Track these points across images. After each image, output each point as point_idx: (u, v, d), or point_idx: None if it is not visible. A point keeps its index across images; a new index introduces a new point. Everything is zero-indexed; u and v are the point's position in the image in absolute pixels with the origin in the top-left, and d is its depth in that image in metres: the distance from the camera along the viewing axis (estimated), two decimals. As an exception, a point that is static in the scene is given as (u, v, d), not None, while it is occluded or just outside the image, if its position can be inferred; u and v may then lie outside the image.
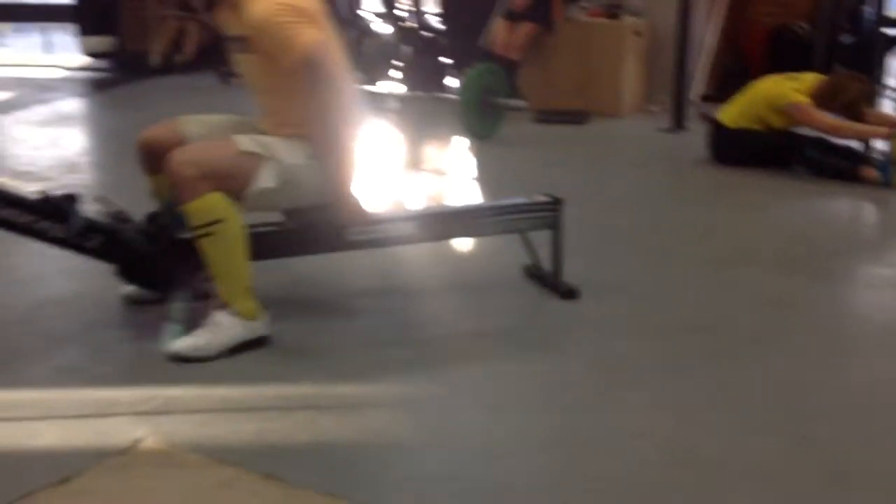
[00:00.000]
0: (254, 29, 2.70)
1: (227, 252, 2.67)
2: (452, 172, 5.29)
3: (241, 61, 2.87)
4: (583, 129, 6.63)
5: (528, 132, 6.46)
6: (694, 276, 3.57)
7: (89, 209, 2.90)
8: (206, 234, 2.64)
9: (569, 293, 3.22)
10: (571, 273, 3.28)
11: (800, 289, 3.42)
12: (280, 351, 2.77)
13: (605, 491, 2.05)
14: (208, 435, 2.28)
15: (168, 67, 9.36)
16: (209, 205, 2.62)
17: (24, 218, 2.78)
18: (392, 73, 8.17)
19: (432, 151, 5.89)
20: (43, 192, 2.84)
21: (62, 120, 7.03)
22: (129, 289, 3.07)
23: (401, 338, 2.91)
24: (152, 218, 2.95)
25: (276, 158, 2.74)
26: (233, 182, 2.68)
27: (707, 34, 7.35)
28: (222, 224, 2.64)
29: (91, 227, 2.86)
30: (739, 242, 4.05)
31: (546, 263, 3.32)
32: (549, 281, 3.29)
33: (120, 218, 2.92)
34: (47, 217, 2.80)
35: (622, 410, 2.44)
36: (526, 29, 6.83)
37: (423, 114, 7.08)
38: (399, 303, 3.24)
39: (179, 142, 2.81)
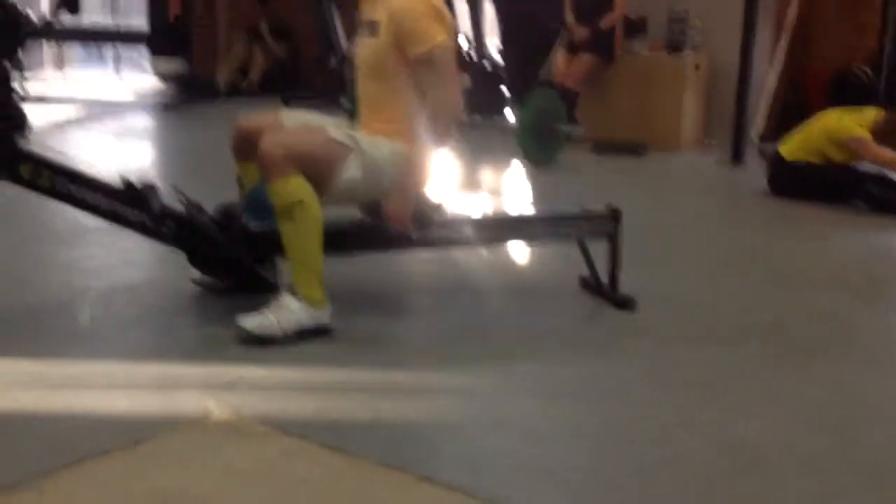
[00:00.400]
0: (391, 15, 2.84)
1: (303, 235, 2.77)
2: (511, 193, 5.38)
3: (363, 46, 2.99)
4: (641, 159, 6.68)
5: (586, 161, 6.53)
6: (749, 290, 3.61)
7: (166, 198, 3.04)
8: (287, 215, 2.75)
9: (625, 303, 3.26)
10: (628, 285, 3.32)
11: (854, 308, 3.44)
12: (343, 340, 2.86)
13: (648, 474, 2.09)
14: (273, 409, 2.36)
15: (234, 91, 9.63)
16: (293, 186, 2.73)
17: (107, 202, 2.93)
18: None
19: (491, 175, 5.99)
20: (125, 179, 2.99)
21: (133, 136, 7.28)
22: (200, 276, 3.18)
23: (461, 334, 2.99)
24: (225, 209, 3.08)
25: (361, 150, 2.86)
26: (318, 168, 2.79)
27: (768, 74, 7.38)
28: (303, 207, 2.74)
29: (167, 214, 3.00)
30: (795, 265, 4.07)
31: (603, 274, 3.37)
32: (606, 291, 3.34)
33: (194, 208, 3.05)
34: (128, 203, 2.94)
35: (672, 406, 2.48)
36: (586, 60, 6.93)
37: (483, 140, 7.19)
38: (460, 303, 3.32)
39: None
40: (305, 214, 2.75)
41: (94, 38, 12.33)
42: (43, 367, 2.59)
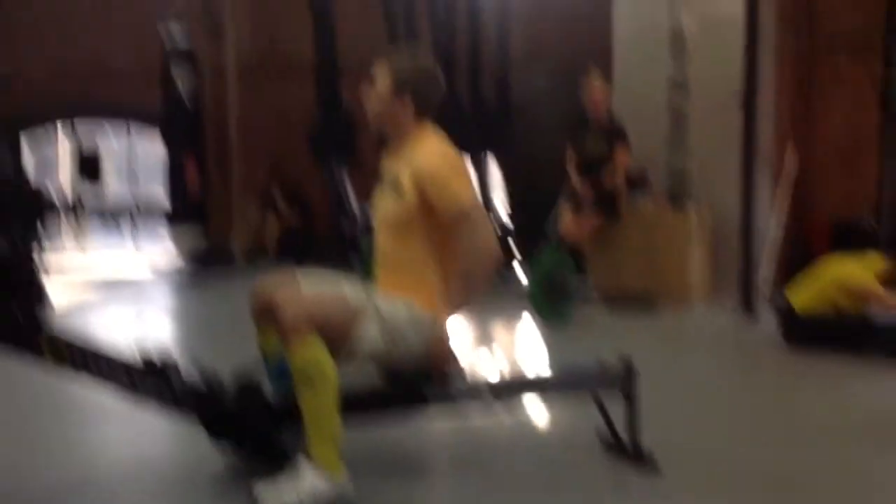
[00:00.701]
0: (416, 176, 2.93)
1: (321, 402, 2.78)
2: (524, 351, 5.41)
3: (385, 202, 3.06)
4: (651, 314, 6.72)
5: (598, 318, 6.58)
6: (770, 442, 3.57)
7: (185, 372, 3.08)
8: (306, 381, 2.77)
9: (645, 461, 3.23)
10: (646, 439, 3.30)
11: (873, 458, 3.39)
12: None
13: None
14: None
15: (251, 259, 9.82)
16: (311, 352, 2.76)
17: (126, 379, 2.97)
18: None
19: (503, 333, 6.03)
20: (144, 354, 3.04)
21: (152, 310, 7.38)
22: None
23: (480, 498, 2.96)
24: (242, 378, 3.11)
25: (378, 312, 2.90)
26: (335, 330, 2.83)
27: (770, 225, 7.52)
28: (322, 376, 2.77)
29: (186, 388, 3.03)
30: (816, 416, 4.04)
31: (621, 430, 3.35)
32: (625, 448, 3.31)
33: (213, 380, 3.09)
34: (147, 378, 2.98)
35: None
36: (592, 218, 7.09)
37: (494, 297, 7.26)
38: (479, 468, 3.30)
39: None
40: (324, 381, 2.77)
41: (113, 212, 12.69)
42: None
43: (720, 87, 7.27)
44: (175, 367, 3.02)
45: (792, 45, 8.17)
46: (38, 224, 2.81)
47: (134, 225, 12.27)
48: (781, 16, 7.84)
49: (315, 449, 2.81)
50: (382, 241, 3.08)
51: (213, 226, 10.70)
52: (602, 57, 7.66)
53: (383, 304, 2.94)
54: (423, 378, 3.05)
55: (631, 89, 7.68)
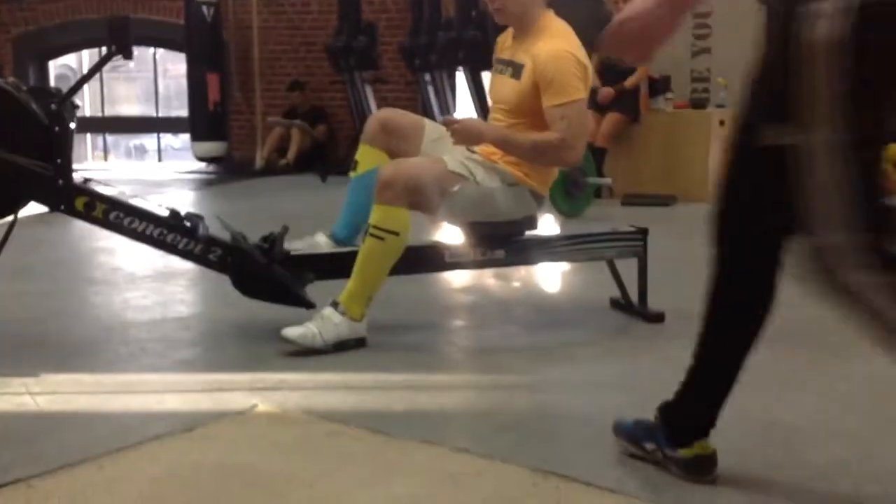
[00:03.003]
0: (537, 61, 3.00)
1: (380, 260, 2.94)
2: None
3: (502, 84, 3.16)
4: (670, 209, 6.80)
5: (615, 212, 6.66)
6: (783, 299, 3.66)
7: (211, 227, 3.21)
8: (379, 235, 2.91)
9: (655, 317, 3.35)
10: (658, 305, 3.41)
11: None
12: (381, 349, 2.98)
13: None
14: (315, 403, 2.48)
15: (271, 170, 9.94)
16: (396, 216, 2.90)
17: (157, 231, 3.11)
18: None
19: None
20: (173, 209, 3.17)
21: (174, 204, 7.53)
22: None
23: (494, 345, 3.10)
24: (266, 237, 3.24)
25: (476, 180, 3.03)
26: (431, 197, 2.96)
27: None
28: (395, 237, 2.91)
29: (213, 241, 3.16)
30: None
31: (633, 294, 3.47)
32: (635, 307, 3.43)
33: (238, 236, 3.22)
34: (176, 231, 3.12)
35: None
36: (613, 118, 7.14)
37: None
38: (493, 320, 3.45)
39: (418, 132, 3.18)
40: (392, 245, 2.91)
41: (140, 128, 12.83)
42: (100, 378, 2.73)
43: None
44: (202, 222, 3.16)
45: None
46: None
47: (158, 142, 12.40)
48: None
49: (350, 294, 2.94)
50: (496, 118, 3.19)
51: (235, 142, 10.82)
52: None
53: (482, 173, 3.05)
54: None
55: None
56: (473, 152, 3.13)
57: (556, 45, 3.02)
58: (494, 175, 3.08)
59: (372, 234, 2.92)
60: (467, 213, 3.10)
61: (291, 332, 2.90)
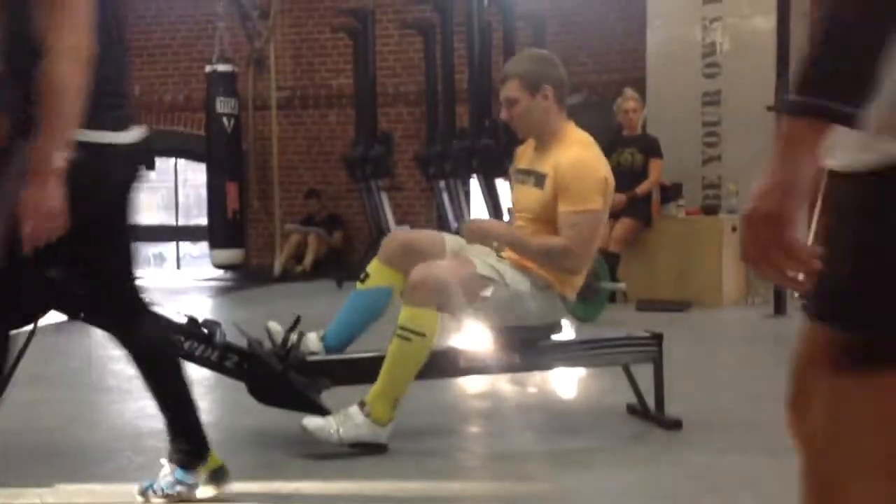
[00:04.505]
0: (558, 169, 3.07)
1: (406, 361, 2.95)
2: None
3: (525, 194, 3.23)
4: (684, 315, 6.80)
5: (630, 317, 6.66)
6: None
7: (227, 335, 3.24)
8: (405, 337, 2.93)
9: (672, 424, 3.32)
10: (675, 411, 3.38)
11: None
12: (395, 455, 2.97)
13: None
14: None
15: (288, 276, 10.02)
16: (424, 318, 2.93)
17: (175, 338, 3.13)
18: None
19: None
20: (190, 316, 3.20)
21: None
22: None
23: (511, 452, 3.09)
24: (283, 343, 3.25)
25: (505, 282, 3.06)
26: (459, 300, 2.98)
27: (802, 234, 7.55)
28: (422, 338, 2.92)
29: (230, 348, 3.19)
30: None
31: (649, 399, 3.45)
32: (652, 413, 3.41)
33: (254, 343, 3.24)
34: (194, 338, 3.14)
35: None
36: (626, 224, 7.21)
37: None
38: (509, 426, 3.45)
39: (438, 247, 3.21)
40: (420, 346, 2.93)
41: (160, 236, 12.98)
42: (115, 488, 2.73)
43: (754, 101, 7.36)
44: (219, 329, 3.18)
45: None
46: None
47: (177, 250, 12.55)
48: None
49: (375, 394, 2.94)
50: (518, 227, 3.25)
51: (253, 250, 10.95)
52: (636, 83, 7.83)
53: (510, 275, 3.08)
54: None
55: (665, 105, 7.85)
56: (502, 257, 3.16)
57: (577, 154, 3.10)
58: (525, 278, 3.11)
59: (399, 335, 2.93)
60: (499, 316, 3.11)
61: (311, 422, 2.91)
